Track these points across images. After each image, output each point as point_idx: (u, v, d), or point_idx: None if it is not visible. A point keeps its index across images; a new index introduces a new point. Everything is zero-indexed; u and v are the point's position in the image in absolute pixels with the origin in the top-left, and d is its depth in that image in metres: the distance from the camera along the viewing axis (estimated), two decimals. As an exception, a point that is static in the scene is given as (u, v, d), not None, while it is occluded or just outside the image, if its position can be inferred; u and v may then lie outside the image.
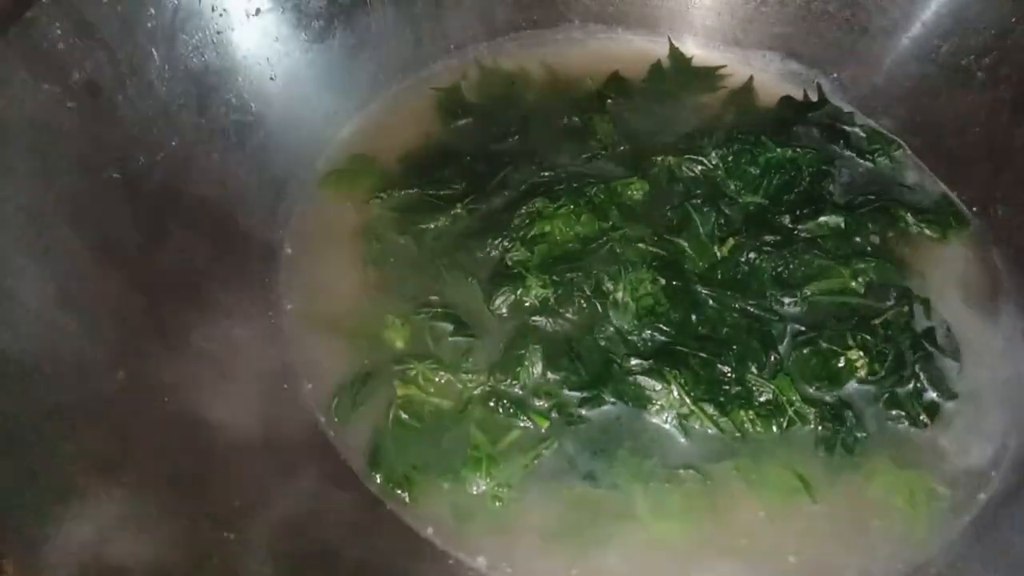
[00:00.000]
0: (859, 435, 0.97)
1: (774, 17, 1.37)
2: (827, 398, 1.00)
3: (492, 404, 0.96)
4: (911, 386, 1.01)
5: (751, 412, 0.97)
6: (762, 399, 0.98)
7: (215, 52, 1.04)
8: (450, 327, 1.02)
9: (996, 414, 1.03)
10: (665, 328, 1.02)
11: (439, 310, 1.03)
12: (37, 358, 0.74)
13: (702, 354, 0.99)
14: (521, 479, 0.92)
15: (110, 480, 0.72)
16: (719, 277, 1.07)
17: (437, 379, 0.97)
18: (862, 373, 1.00)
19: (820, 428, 0.97)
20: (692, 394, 0.97)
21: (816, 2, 1.34)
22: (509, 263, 1.05)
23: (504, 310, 1.03)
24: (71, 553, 0.66)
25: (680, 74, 1.37)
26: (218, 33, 1.04)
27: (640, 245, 1.07)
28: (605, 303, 1.03)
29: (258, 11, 1.09)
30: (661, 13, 1.40)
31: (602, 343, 1.01)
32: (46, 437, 0.71)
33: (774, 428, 0.97)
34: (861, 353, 1.00)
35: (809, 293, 1.07)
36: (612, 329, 1.02)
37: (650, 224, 1.11)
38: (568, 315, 1.03)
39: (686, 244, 1.10)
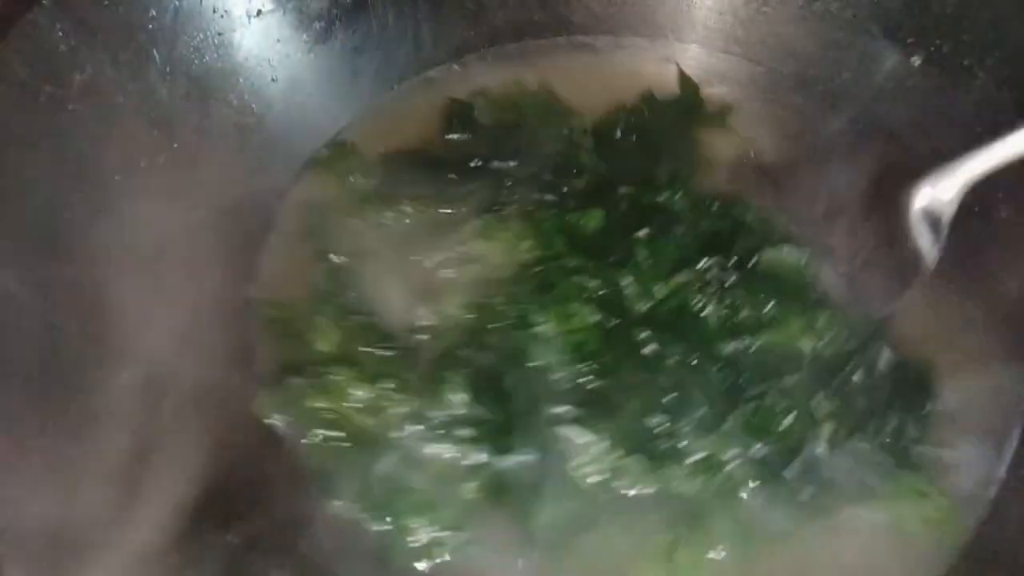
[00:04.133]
0: (827, 487, 0.91)
1: (776, 17, 1.36)
2: (776, 453, 0.91)
3: (416, 426, 0.92)
4: (889, 427, 0.94)
5: (685, 467, 0.89)
6: (699, 456, 0.89)
7: (216, 54, 1.03)
8: (377, 338, 0.98)
9: (992, 421, 1.00)
10: (595, 369, 0.93)
11: (368, 319, 0.99)
12: (40, 360, 0.74)
13: (634, 403, 0.91)
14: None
15: (113, 483, 0.72)
16: (660, 318, 0.97)
17: (361, 392, 0.93)
18: (828, 426, 0.92)
19: (770, 485, 0.89)
20: (621, 447, 0.89)
21: (817, 2, 1.34)
22: (439, 279, 1.01)
23: (429, 330, 0.98)
24: (74, 556, 0.66)
25: (686, 109, 1.26)
26: (219, 35, 1.03)
27: (577, 278, 0.98)
28: (529, 335, 0.95)
29: (259, 12, 1.09)
30: (664, 13, 1.39)
31: (525, 381, 0.93)
32: (49, 440, 0.71)
33: (711, 485, 0.89)
34: (827, 404, 0.93)
35: (759, 342, 0.96)
36: (537, 365, 0.93)
37: (595, 256, 1.01)
38: (492, 343, 0.95)
39: (631, 278, 0.99)
